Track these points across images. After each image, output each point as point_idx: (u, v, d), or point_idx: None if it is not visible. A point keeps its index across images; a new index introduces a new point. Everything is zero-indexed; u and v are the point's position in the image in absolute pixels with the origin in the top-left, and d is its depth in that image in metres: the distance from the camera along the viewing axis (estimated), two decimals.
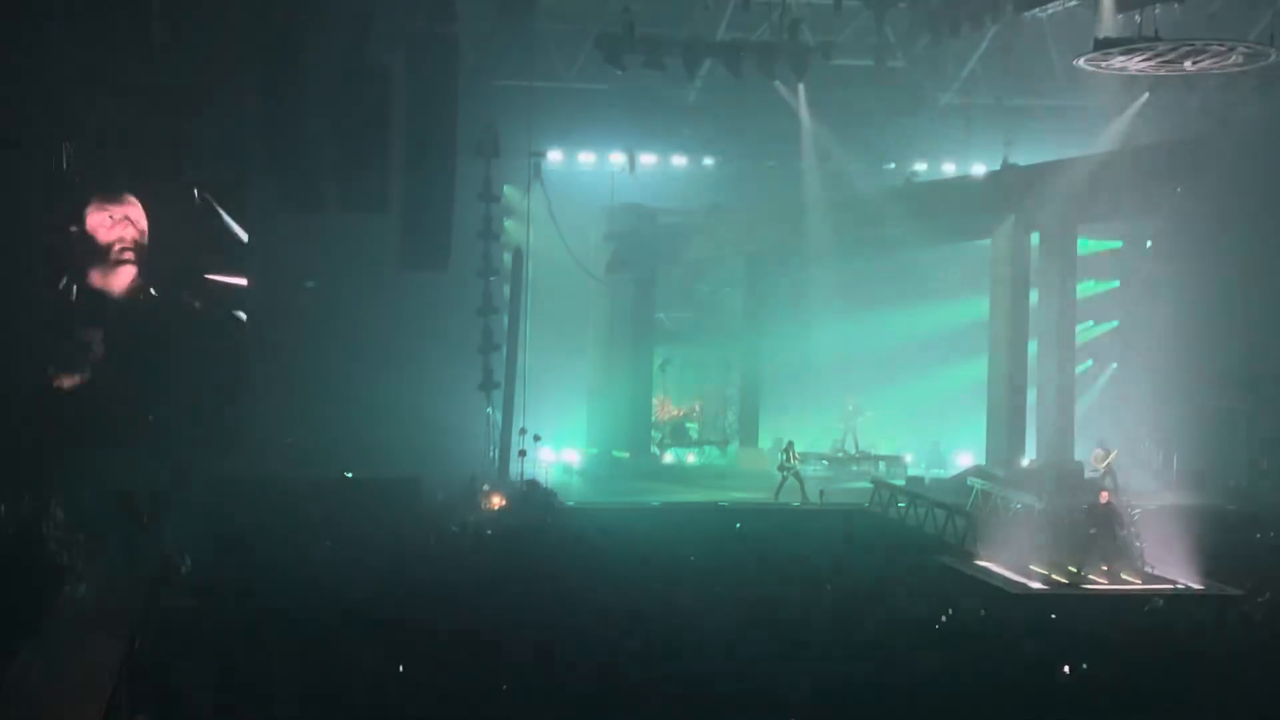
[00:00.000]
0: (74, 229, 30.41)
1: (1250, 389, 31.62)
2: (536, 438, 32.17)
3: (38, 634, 18.28)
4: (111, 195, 30.70)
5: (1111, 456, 30.30)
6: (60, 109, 29.11)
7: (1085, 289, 34.50)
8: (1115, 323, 35.21)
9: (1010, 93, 33.27)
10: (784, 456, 30.70)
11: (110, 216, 30.63)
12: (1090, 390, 34.70)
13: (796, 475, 30.37)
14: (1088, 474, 30.34)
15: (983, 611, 21.01)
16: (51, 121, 29.24)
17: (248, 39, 29.43)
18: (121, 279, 30.80)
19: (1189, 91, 29.66)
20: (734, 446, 35.73)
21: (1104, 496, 24.44)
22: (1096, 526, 24.35)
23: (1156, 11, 25.40)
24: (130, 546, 23.37)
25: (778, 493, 30.25)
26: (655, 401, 35.66)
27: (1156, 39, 24.45)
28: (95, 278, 30.72)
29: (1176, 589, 23.51)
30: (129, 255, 30.75)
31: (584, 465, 34.00)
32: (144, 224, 30.75)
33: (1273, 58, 25.13)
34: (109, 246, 30.67)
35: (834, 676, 16.86)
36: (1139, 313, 34.78)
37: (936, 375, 36.02)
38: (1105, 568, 24.14)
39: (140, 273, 30.93)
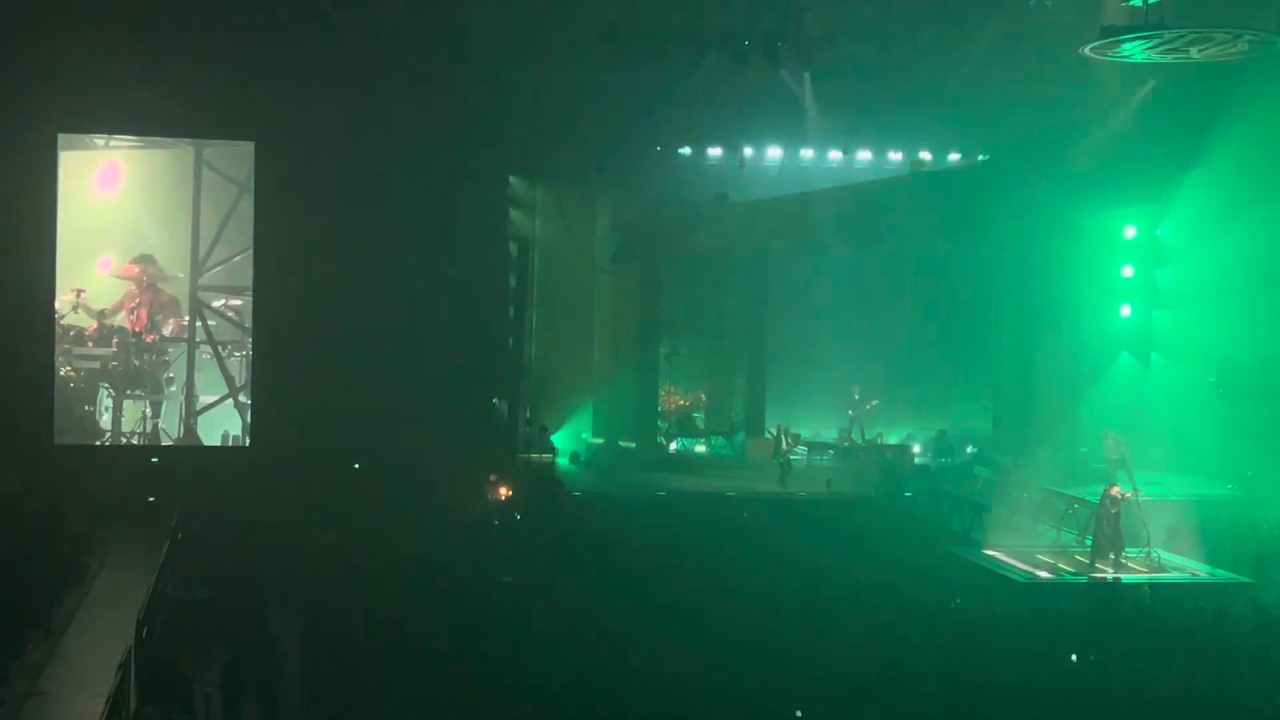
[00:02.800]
0: None
1: (1255, 377, 31.56)
2: (543, 428, 32.18)
3: (47, 625, 18.33)
4: None
5: (1123, 445, 30.24)
6: (56, 105, 29.11)
7: (1094, 277, 34.42)
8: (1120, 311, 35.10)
9: (1016, 80, 33.15)
10: (781, 442, 30.90)
11: None
12: (1100, 378, 34.64)
13: (787, 462, 30.60)
14: (1099, 463, 30.28)
15: (990, 601, 21.03)
16: (46, 116, 29.22)
17: (254, 28, 29.35)
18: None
19: (1195, 79, 29.58)
20: (740, 436, 35.71)
21: (1114, 489, 24.46)
22: (1104, 516, 24.35)
23: None
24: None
25: (783, 480, 30.37)
26: (661, 392, 35.64)
27: (1162, 26, 24.36)
28: None
29: (1184, 577, 23.53)
30: None
31: (590, 455, 33.98)
32: None
33: (1279, 45, 25.03)
34: None
35: (841, 665, 16.87)
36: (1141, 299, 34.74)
37: (944, 363, 35.97)
38: (1113, 557, 24.15)
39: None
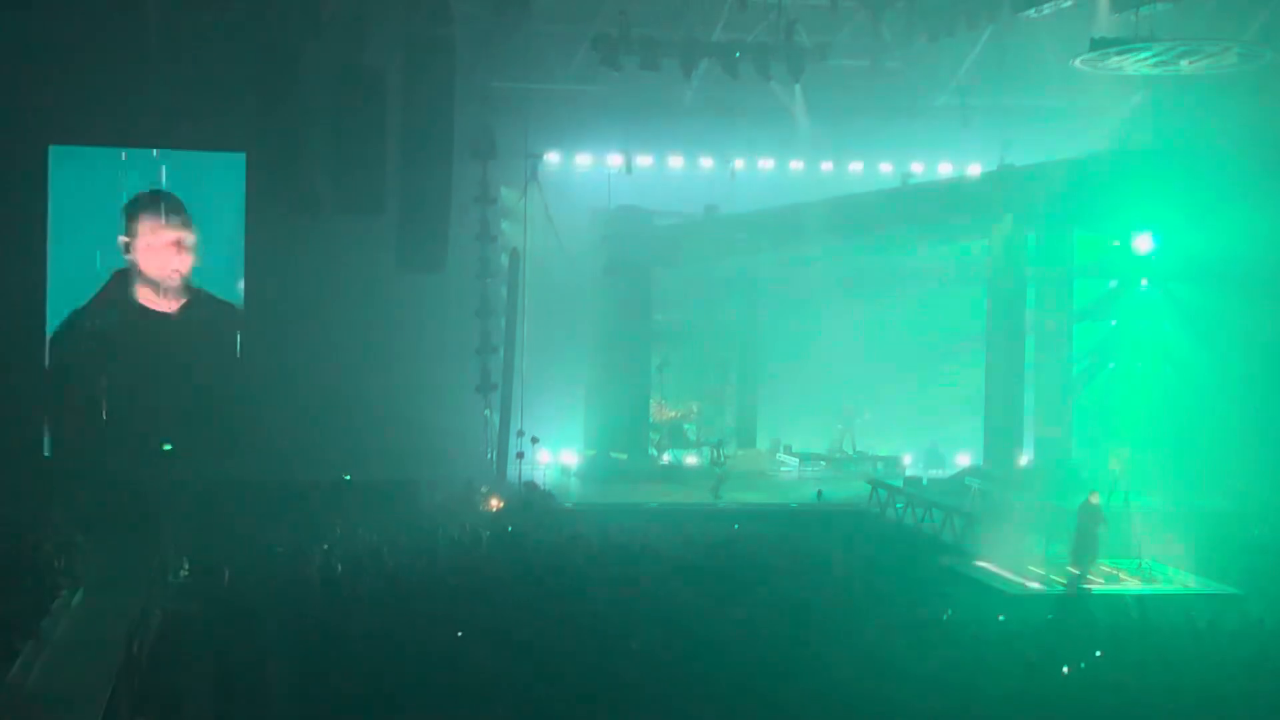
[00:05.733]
0: None
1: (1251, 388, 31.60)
2: (534, 440, 32.19)
3: (37, 636, 18.29)
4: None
5: (1120, 455, 30.33)
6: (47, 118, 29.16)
7: (1082, 288, 34.44)
8: (1113, 321, 35.14)
9: (1006, 93, 33.26)
10: (712, 453, 31.60)
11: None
12: (1088, 389, 34.68)
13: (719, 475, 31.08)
14: (1090, 472, 30.29)
15: (979, 612, 21.03)
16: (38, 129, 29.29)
17: (244, 41, 29.40)
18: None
19: (1184, 91, 29.69)
20: (732, 448, 35.73)
21: (1093, 497, 24.49)
22: (1094, 526, 24.36)
23: (1153, 11, 25.41)
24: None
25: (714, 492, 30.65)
26: (653, 403, 35.67)
27: (1152, 39, 24.47)
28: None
29: (1175, 588, 23.55)
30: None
31: (582, 467, 33.99)
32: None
33: (1267, 58, 25.16)
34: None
35: (833, 677, 16.87)
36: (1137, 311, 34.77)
37: (934, 375, 35.97)
38: (1088, 566, 24.15)
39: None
